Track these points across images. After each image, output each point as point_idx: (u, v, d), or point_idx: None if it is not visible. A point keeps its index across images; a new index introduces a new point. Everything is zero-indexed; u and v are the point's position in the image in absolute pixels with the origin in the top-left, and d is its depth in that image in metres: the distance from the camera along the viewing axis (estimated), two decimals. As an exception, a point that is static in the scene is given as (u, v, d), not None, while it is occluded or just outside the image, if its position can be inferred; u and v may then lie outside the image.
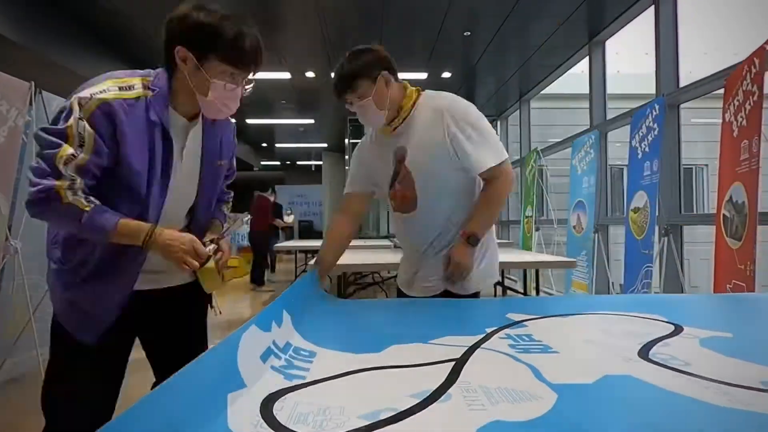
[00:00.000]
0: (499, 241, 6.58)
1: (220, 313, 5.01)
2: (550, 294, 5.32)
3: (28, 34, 3.92)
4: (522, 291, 3.76)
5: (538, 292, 2.97)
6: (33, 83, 2.63)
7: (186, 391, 0.52)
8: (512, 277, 6.81)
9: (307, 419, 0.51)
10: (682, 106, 3.46)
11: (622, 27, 4.46)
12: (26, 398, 2.53)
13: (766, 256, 2.60)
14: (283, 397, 0.57)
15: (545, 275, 5.43)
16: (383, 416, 0.52)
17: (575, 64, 5.51)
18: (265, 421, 0.51)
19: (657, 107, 3.15)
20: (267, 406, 0.54)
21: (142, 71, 1.02)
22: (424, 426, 0.50)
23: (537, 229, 5.44)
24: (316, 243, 5.08)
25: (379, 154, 1.40)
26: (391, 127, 1.35)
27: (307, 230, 12.55)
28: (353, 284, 4.80)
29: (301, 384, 0.63)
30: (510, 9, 4.19)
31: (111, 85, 0.94)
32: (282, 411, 0.54)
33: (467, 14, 4.33)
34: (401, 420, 0.51)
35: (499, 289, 4.46)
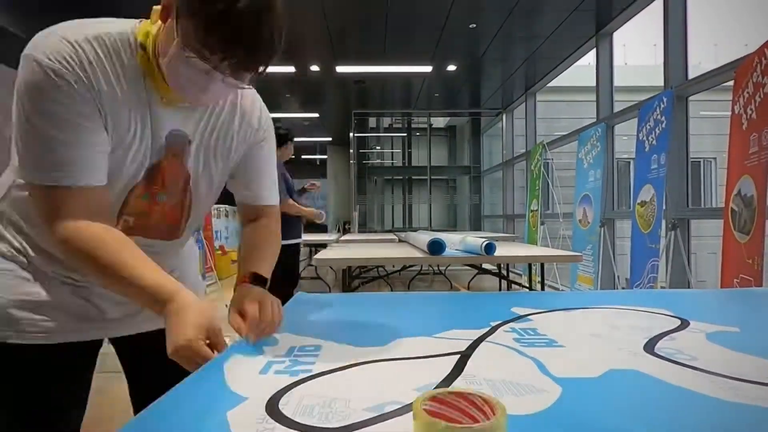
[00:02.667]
0: (504, 234, 6.48)
1: (226, 306, 5.05)
2: (556, 288, 5.32)
3: (29, 25, 3.94)
4: (527, 285, 3.76)
5: (543, 287, 2.97)
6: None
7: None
8: (517, 271, 6.80)
9: (312, 412, 0.52)
10: (690, 98, 3.42)
11: (630, 18, 4.41)
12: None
13: (774, 250, 2.58)
14: (289, 392, 0.58)
15: (552, 270, 5.41)
16: (388, 409, 0.52)
17: (582, 56, 5.45)
18: (271, 416, 0.51)
19: (665, 100, 3.12)
20: (272, 403, 0.55)
21: None
22: (429, 419, 0.50)
23: (542, 223, 5.43)
24: (320, 237, 5.09)
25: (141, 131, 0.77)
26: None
27: (312, 223, 12.53)
28: (358, 278, 4.82)
29: (307, 377, 0.63)
30: (516, 0, 4.15)
31: None
32: (288, 405, 0.54)
33: (473, 6, 4.30)
34: (406, 413, 0.51)
35: (504, 283, 4.46)
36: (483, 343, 0.78)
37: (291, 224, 3.45)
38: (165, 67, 0.71)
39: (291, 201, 3.39)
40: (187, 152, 0.83)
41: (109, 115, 0.72)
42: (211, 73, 0.69)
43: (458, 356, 0.71)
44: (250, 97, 0.89)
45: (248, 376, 0.64)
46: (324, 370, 0.65)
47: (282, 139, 3.51)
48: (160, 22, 0.72)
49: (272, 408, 0.53)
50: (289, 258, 3.37)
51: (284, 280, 3.44)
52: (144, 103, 0.76)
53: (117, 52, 0.72)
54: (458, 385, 0.60)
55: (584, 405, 0.54)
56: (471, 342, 0.79)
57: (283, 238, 3.22)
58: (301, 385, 0.60)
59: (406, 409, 0.52)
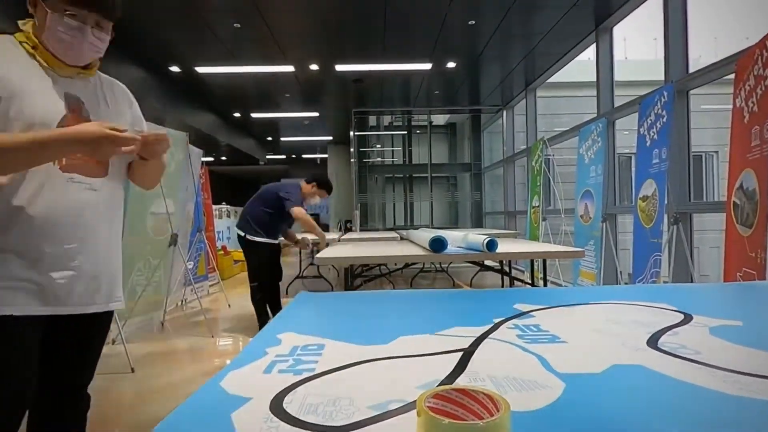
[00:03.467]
0: (505, 231, 6.42)
1: (230, 306, 5.06)
2: (558, 284, 5.31)
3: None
4: (529, 281, 3.76)
5: (545, 283, 2.97)
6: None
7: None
8: (519, 268, 6.80)
9: (317, 410, 0.52)
10: (691, 92, 3.41)
11: (630, 12, 4.39)
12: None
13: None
14: (293, 391, 0.58)
15: (554, 266, 5.41)
16: (392, 407, 0.52)
17: (582, 51, 5.43)
18: (275, 415, 0.51)
19: (666, 94, 3.11)
20: (277, 401, 0.55)
21: None
22: (433, 416, 0.50)
23: (544, 219, 5.42)
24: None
25: (42, 84, 1.03)
26: (75, 69, 1.08)
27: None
28: (360, 276, 4.82)
29: (311, 376, 0.63)
30: (515, -4, 4.14)
31: None
32: (292, 403, 0.54)
33: (472, 3, 4.29)
34: (410, 410, 0.51)
35: (507, 279, 4.46)
36: (486, 340, 0.78)
37: (277, 228, 3.55)
38: (46, 37, 1.00)
39: (304, 211, 3.44)
40: (83, 109, 1.08)
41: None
42: (83, 28, 1.01)
43: (461, 353, 0.71)
44: (115, 83, 1.22)
45: (252, 376, 0.64)
46: (327, 369, 0.66)
47: (319, 183, 3.60)
48: (28, 21, 1.03)
49: (276, 407, 0.53)
50: (274, 254, 3.56)
51: (275, 274, 3.60)
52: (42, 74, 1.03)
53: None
54: (461, 381, 0.60)
55: (588, 400, 0.54)
56: (474, 339, 0.79)
57: (272, 237, 3.26)
58: (305, 383, 0.60)
59: (410, 406, 0.52)
